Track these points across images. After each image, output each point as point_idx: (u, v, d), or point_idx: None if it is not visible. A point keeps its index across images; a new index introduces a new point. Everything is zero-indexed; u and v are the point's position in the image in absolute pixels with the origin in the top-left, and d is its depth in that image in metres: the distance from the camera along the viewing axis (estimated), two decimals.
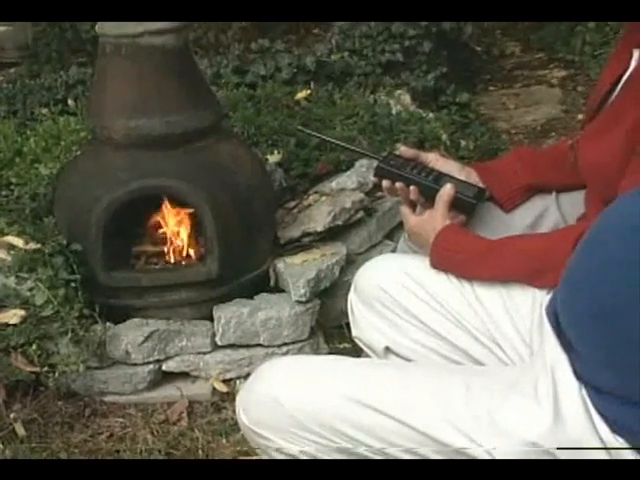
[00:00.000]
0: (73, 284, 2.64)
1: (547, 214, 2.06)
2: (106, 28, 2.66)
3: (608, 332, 1.42)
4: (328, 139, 2.52)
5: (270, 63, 3.97)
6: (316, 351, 2.83)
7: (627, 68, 1.83)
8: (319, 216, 3.00)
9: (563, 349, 1.50)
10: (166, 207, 2.77)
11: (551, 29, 5.14)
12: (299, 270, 2.86)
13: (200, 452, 2.52)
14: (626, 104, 1.80)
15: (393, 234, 3.11)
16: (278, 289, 2.90)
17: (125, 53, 2.64)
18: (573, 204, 2.04)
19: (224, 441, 2.52)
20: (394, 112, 3.69)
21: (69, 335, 2.59)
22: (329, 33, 4.44)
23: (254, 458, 1.71)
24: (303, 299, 2.81)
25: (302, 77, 3.94)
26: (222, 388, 2.76)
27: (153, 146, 2.69)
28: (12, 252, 2.73)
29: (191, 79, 2.76)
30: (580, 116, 4.01)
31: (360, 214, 3.09)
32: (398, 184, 2.02)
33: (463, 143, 3.79)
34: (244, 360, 2.79)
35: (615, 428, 1.41)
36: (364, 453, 1.56)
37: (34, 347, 2.58)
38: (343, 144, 2.45)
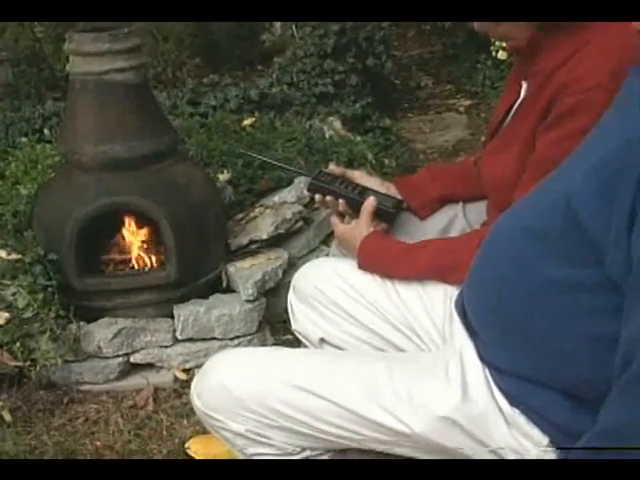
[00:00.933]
0: (50, 289, 2.63)
1: (455, 221, 2.06)
2: (75, 67, 2.65)
3: (503, 321, 1.44)
4: (267, 160, 2.51)
5: (220, 95, 3.95)
6: (263, 342, 2.83)
7: (518, 97, 1.84)
8: (264, 226, 3.00)
9: (469, 336, 1.51)
10: (130, 220, 2.77)
11: (458, 65, 5.18)
12: (247, 273, 2.86)
13: (164, 432, 2.52)
14: (518, 127, 1.81)
15: (328, 240, 3.11)
16: (230, 290, 2.89)
17: (91, 88, 2.64)
18: (477, 212, 2.04)
19: (185, 422, 2.52)
20: (327, 136, 3.70)
21: (48, 333, 2.59)
22: (270, 69, 4.44)
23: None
24: (251, 298, 2.81)
25: (248, 107, 3.93)
26: (182, 376, 2.75)
27: (117, 168, 2.67)
28: None
29: (149, 109, 2.76)
30: (483, 138, 4.05)
31: (299, 224, 3.11)
32: (328, 198, 2.02)
33: (386, 162, 3.79)
34: (201, 352, 2.78)
35: (512, 401, 1.43)
36: (302, 430, 1.56)
37: (17, 345, 2.58)
38: (280, 164, 2.45)
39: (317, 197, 2.05)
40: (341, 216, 2.01)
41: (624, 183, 1.20)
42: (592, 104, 1.58)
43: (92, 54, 2.60)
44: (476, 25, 1.82)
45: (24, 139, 3.55)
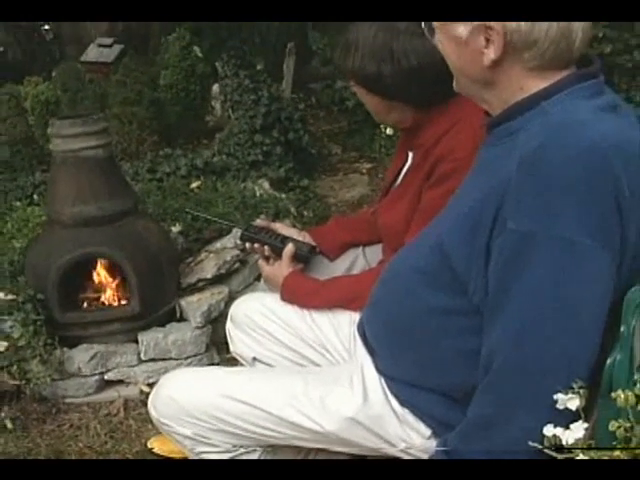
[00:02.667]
0: (39, 322, 2.61)
1: (357, 261, 2.07)
2: (56, 146, 2.64)
3: (395, 339, 1.45)
4: (207, 216, 2.52)
5: (172, 164, 3.92)
6: (211, 361, 2.80)
7: (405, 162, 1.86)
8: (209, 267, 2.98)
9: (368, 353, 1.51)
10: (101, 266, 2.74)
11: (360, 137, 5.22)
12: (196, 305, 2.83)
13: (133, 435, 2.49)
14: (407, 186, 1.83)
15: (261, 277, 3.09)
16: (182, 319, 2.86)
17: (69, 162, 2.63)
18: (375, 253, 2.05)
19: (149, 426, 2.46)
20: (258, 195, 3.67)
21: (38, 358, 2.58)
22: (212, 143, 4.43)
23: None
24: (200, 325, 2.78)
25: (195, 173, 3.89)
26: (147, 390, 2.69)
27: (90, 224, 2.65)
28: None
29: (115, 177, 2.75)
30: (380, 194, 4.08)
31: (237, 265, 3.08)
32: (256, 245, 2.01)
33: (305, 214, 3.79)
34: (161, 369, 2.72)
35: (402, 402, 1.44)
36: (235, 431, 1.54)
37: (15, 367, 2.58)
38: (218, 220, 2.46)
39: (247, 245, 2.05)
40: (267, 259, 2.01)
41: (481, 230, 1.22)
42: (463, 169, 1.60)
43: (69, 136, 2.59)
44: (374, 115, 1.85)
45: (18, 203, 3.50)
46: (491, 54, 1.24)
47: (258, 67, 4.88)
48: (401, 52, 1.64)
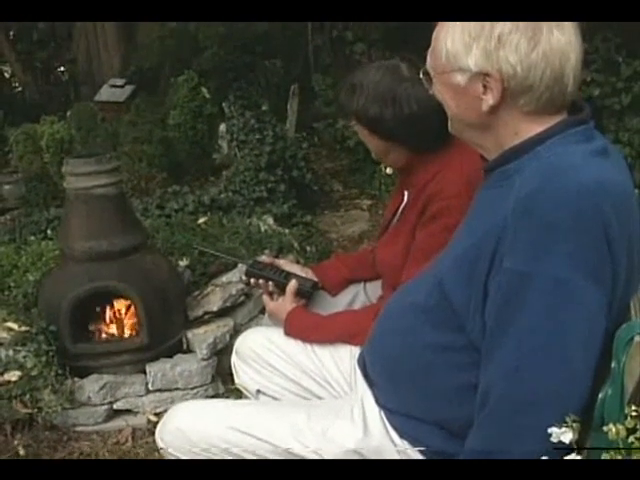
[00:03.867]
0: (51, 353, 2.61)
1: (358, 297, 2.07)
2: (70, 184, 2.65)
3: (394, 373, 1.45)
4: (214, 252, 2.53)
5: (180, 200, 3.94)
6: (216, 391, 2.79)
7: (402, 202, 1.88)
8: (215, 300, 2.97)
9: (368, 386, 1.51)
10: (111, 299, 2.75)
11: (361, 174, 5.25)
12: (202, 337, 2.82)
13: None
14: (403, 225, 1.85)
15: (265, 310, 3.09)
16: (189, 350, 2.85)
17: (82, 199, 2.64)
18: (375, 289, 2.05)
19: (157, 455, 2.41)
20: (262, 230, 3.68)
21: (50, 387, 2.58)
22: (219, 180, 4.45)
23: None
24: (206, 357, 2.77)
25: (202, 209, 3.91)
26: (154, 419, 2.68)
27: (101, 259, 2.65)
28: (11, 333, 2.71)
29: (125, 213, 2.76)
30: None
31: (242, 298, 3.08)
32: (261, 281, 2.02)
33: (308, 249, 3.79)
34: (168, 399, 2.72)
35: (401, 434, 1.43)
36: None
37: (27, 396, 2.57)
38: (224, 255, 2.48)
39: (252, 281, 2.05)
40: (271, 295, 2.01)
41: (478, 270, 1.23)
42: (453, 207, 1.64)
43: (82, 174, 2.60)
44: (373, 154, 1.87)
45: (33, 238, 3.51)
46: (490, 100, 1.26)
47: (263, 107, 4.93)
48: (403, 98, 1.68)
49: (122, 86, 6.19)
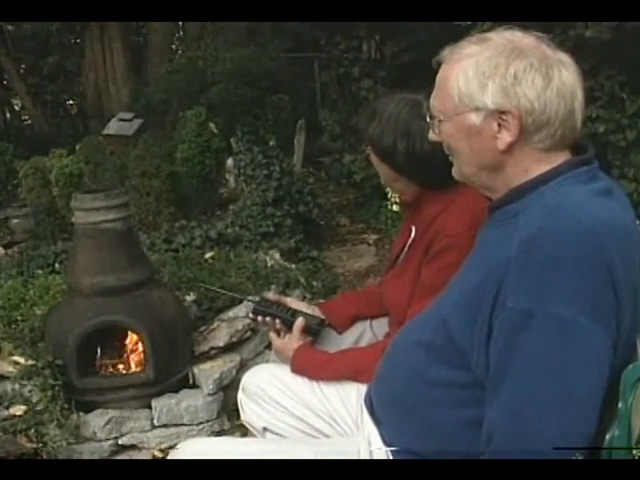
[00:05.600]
0: (57, 387, 2.61)
1: (364, 334, 2.07)
2: (78, 218, 2.67)
3: (400, 410, 1.45)
4: (220, 291, 2.54)
5: (188, 235, 3.97)
6: (222, 427, 2.78)
7: (409, 238, 1.89)
8: (221, 336, 2.99)
9: (374, 424, 1.51)
10: (118, 334, 2.75)
11: (367, 209, 5.28)
12: (208, 373, 2.82)
13: None
14: (409, 261, 1.86)
15: (271, 346, 3.08)
16: (195, 386, 2.85)
17: (90, 234, 2.66)
18: (381, 326, 2.05)
19: None
20: (269, 265, 3.71)
21: (55, 422, 2.57)
22: (226, 214, 4.48)
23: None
24: (212, 392, 2.77)
25: (209, 243, 3.95)
26: (159, 455, 2.68)
27: (108, 294, 2.66)
28: (17, 366, 2.71)
29: (133, 248, 2.77)
30: (387, 264, 4.08)
31: (248, 333, 3.09)
32: (268, 319, 2.02)
33: (315, 283, 3.80)
34: (174, 435, 2.72)
35: None
36: None
37: (32, 430, 2.57)
38: (230, 293, 2.49)
39: (259, 319, 2.05)
40: (277, 332, 2.01)
41: (482, 308, 1.25)
42: (458, 245, 1.65)
43: (91, 209, 2.62)
44: (382, 181, 1.89)
45: (40, 271, 3.54)
46: (507, 138, 1.28)
47: (270, 143, 4.97)
48: (417, 134, 1.70)
49: (130, 120, 6.26)
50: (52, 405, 2.58)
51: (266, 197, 4.35)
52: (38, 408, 2.58)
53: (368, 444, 1.49)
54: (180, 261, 3.54)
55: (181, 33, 8.85)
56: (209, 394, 2.76)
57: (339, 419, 1.75)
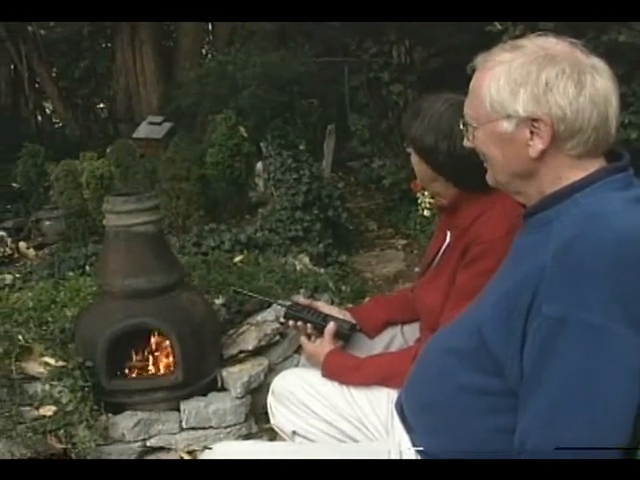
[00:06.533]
0: (87, 389, 2.63)
1: (395, 339, 2.07)
2: (110, 221, 2.69)
3: (432, 416, 1.45)
4: (252, 294, 2.56)
5: (217, 238, 3.98)
6: (249, 430, 2.79)
7: (444, 242, 1.89)
8: (250, 339, 2.99)
9: (405, 430, 1.52)
10: (148, 336, 2.78)
11: (396, 214, 5.27)
12: (237, 376, 2.84)
13: None
14: (444, 266, 1.86)
15: (299, 350, 3.09)
16: (223, 389, 2.86)
17: (121, 237, 2.68)
18: (412, 331, 2.05)
19: None
20: (298, 269, 3.71)
21: (84, 423, 2.60)
22: (255, 218, 4.50)
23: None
24: (240, 395, 2.78)
25: (238, 247, 3.95)
26: (187, 457, 2.69)
27: (139, 296, 2.69)
28: (47, 368, 2.73)
29: (163, 251, 2.79)
30: (416, 269, 4.08)
31: (277, 337, 3.09)
32: (299, 323, 2.03)
33: (343, 288, 3.80)
34: (201, 437, 2.74)
35: None
36: None
37: (62, 431, 2.59)
38: (261, 297, 2.51)
39: (291, 323, 2.06)
40: (308, 336, 2.02)
41: (516, 315, 1.24)
42: (494, 251, 1.64)
43: (122, 212, 2.65)
44: (419, 180, 1.89)
45: (71, 273, 3.56)
46: (539, 145, 1.28)
47: (300, 147, 4.99)
48: (459, 136, 1.69)
49: (160, 123, 6.31)
50: (81, 406, 2.60)
51: (295, 201, 4.36)
52: (68, 409, 2.60)
53: (399, 449, 1.49)
54: (209, 264, 3.54)
55: (211, 37, 8.91)
56: (237, 397, 2.78)
57: (369, 424, 1.75)
